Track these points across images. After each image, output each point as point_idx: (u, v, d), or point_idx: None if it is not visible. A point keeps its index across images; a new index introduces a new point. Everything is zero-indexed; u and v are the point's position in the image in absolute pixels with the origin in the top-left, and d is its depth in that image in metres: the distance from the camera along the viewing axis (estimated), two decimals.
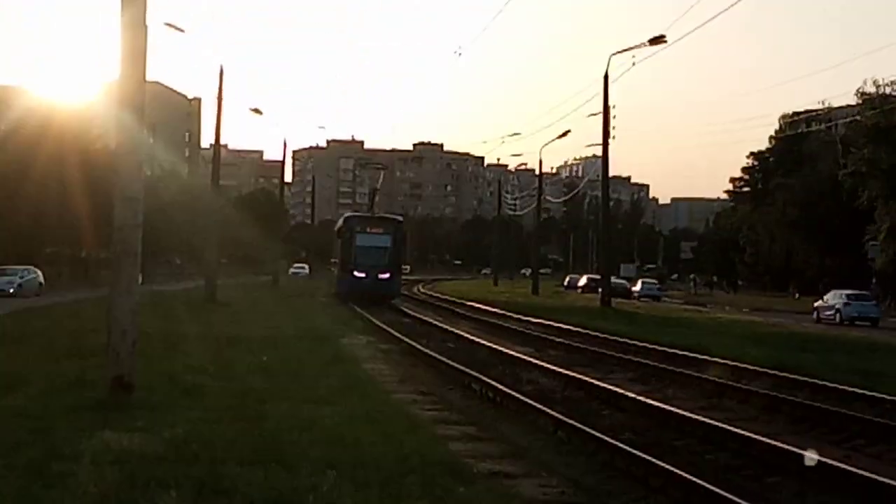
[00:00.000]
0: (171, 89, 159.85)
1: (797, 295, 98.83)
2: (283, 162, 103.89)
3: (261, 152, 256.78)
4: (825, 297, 62.28)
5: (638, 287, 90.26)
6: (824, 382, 21.86)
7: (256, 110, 74.56)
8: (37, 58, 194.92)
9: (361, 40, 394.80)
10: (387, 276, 56.47)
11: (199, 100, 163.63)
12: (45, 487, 10.16)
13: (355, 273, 56.05)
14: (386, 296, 55.46)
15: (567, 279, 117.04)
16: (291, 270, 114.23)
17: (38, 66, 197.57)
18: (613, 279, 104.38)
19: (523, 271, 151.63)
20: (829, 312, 59.21)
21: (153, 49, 18.83)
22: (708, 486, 11.13)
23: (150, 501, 9.77)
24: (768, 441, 14.42)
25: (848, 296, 60.04)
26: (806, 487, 12.34)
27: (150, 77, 17.08)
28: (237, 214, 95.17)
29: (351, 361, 24.96)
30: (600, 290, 62.74)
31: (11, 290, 55.73)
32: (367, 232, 57.62)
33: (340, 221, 64.17)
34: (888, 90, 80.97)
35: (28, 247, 69.34)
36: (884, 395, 19.82)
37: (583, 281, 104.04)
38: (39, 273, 60.71)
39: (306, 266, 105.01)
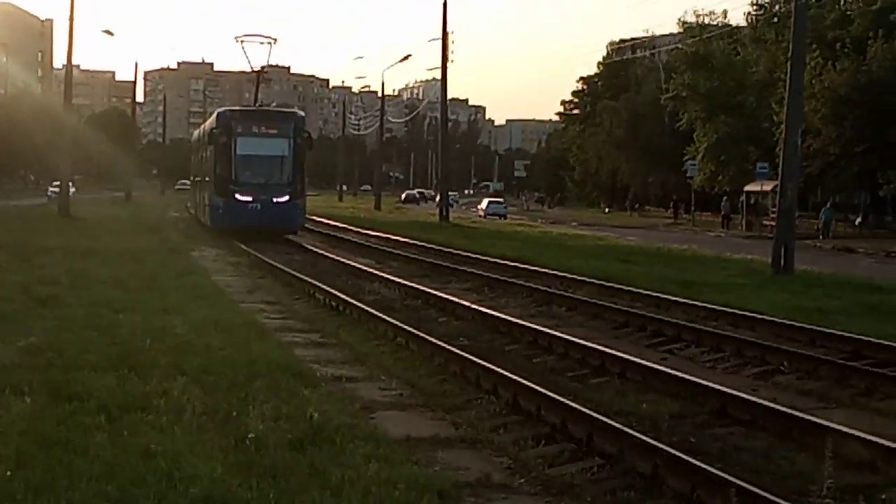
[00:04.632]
0: (23, 10, 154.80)
1: (606, 209, 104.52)
2: (134, 82, 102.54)
3: (113, 73, 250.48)
4: (481, 202, 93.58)
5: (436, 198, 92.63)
6: (646, 291, 22.28)
7: (108, 31, 73.16)
8: None
9: None
10: (285, 199, 37.50)
11: (51, 21, 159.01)
12: None
13: (237, 196, 37.10)
14: (284, 229, 37.92)
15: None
16: (51, 190, 77.98)
17: None
18: (409, 191, 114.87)
19: (364, 188, 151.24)
20: (480, 213, 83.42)
21: None
22: (535, 386, 11.30)
23: (3, 407, 9.63)
24: (591, 345, 14.70)
25: (489, 201, 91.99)
26: (626, 387, 12.62)
27: None
28: (90, 133, 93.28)
29: (201, 273, 24.81)
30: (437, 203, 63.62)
31: None
32: (253, 134, 37.84)
33: (212, 119, 42.09)
34: (706, 20, 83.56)
35: None
36: (696, 302, 20.31)
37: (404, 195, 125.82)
38: None
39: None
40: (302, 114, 42.61)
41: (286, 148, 37.94)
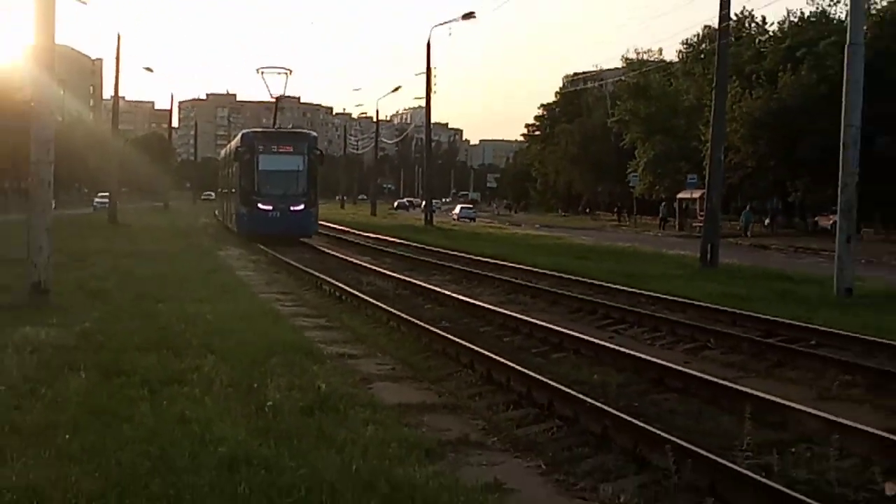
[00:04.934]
0: (77, 51, 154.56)
1: (563, 214, 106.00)
2: (170, 111, 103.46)
3: (152, 103, 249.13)
4: (456, 208, 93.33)
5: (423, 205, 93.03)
6: (596, 282, 22.30)
7: (148, 68, 73.35)
8: None
9: (235, 10, 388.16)
10: (300, 208, 36.53)
11: (101, 60, 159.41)
12: None
13: (260, 206, 36.23)
14: (300, 234, 36.70)
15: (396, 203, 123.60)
16: (96, 201, 79.23)
17: None
18: (399, 200, 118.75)
19: (361, 197, 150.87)
20: (454, 217, 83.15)
21: (62, 18, 18.19)
22: (505, 361, 11.32)
23: (63, 382, 9.60)
24: (551, 326, 14.72)
25: (461, 207, 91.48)
26: (580, 361, 12.64)
27: (59, 41, 16.58)
28: (134, 153, 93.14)
29: (226, 270, 24.73)
30: (423, 209, 63.77)
31: None
32: (272, 152, 37.04)
33: (237, 139, 40.16)
34: (645, 56, 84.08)
35: None
36: (638, 290, 20.33)
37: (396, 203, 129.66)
38: None
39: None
40: (315, 134, 41.01)
41: (301, 163, 36.94)
